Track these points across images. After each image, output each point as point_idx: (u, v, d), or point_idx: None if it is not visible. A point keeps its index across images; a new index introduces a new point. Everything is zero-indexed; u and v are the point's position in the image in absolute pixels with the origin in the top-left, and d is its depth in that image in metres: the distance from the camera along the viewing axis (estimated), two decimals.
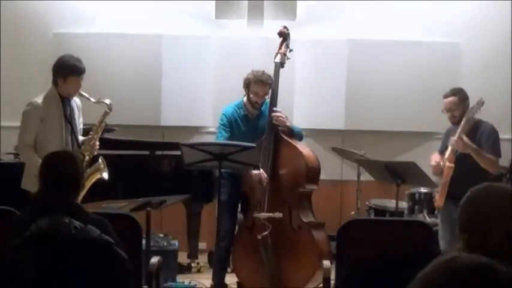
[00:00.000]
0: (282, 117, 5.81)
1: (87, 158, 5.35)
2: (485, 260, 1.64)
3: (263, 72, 5.85)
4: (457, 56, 7.40)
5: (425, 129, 7.34)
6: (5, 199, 4.51)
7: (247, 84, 5.87)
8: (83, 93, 5.35)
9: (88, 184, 5.24)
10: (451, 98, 5.55)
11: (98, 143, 5.42)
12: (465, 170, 5.32)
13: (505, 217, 2.09)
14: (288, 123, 5.88)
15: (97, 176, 5.30)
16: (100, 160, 5.36)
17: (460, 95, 5.55)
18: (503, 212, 2.10)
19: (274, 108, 5.81)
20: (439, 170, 5.52)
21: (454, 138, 5.38)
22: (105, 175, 5.32)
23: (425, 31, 7.38)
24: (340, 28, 7.43)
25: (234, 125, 5.92)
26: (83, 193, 5.10)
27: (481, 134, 5.53)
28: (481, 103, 5.37)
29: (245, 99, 5.98)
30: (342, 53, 7.36)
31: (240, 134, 5.87)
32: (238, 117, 5.95)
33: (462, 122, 5.39)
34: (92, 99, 5.38)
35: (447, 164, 5.42)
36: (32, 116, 5.27)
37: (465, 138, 5.37)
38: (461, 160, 5.41)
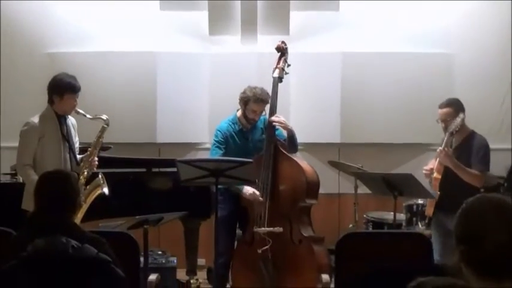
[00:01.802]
0: (282, 121, 5.81)
1: (86, 174, 5.36)
2: (452, 282, 1.65)
3: (262, 90, 5.84)
4: (451, 67, 7.40)
5: (422, 141, 7.33)
6: (4, 220, 4.50)
7: (246, 102, 5.87)
8: (79, 110, 5.37)
9: (89, 200, 5.28)
10: (445, 109, 5.57)
11: (96, 158, 5.43)
12: (453, 181, 5.42)
13: (499, 227, 2.08)
14: (289, 126, 5.87)
15: (98, 192, 5.33)
16: (100, 176, 5.36)
17: (454, 107, 5.57)
18: (497, 222, 2.09)
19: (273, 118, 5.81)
20: (430, 178, 5.58)
21: (439, 149, 5.44)
22: (106, 190, 5.34)
23: (419, 42, 7.38)
24: (334, 41, 7.43)
25: (229, 140, 5.92)
26: (84, 208, 5.14)
27: (473, 146, 5.58)
28: (461, 118, 5.42)
29: (239, 113, 5.97)
30: (336, 66, 7.36)
31: (236, 149, 5.87)
32: (234, 132, 5.95)
33: (446, 136, 5.45)
34: (89, 116, 5.41)
35: (435, 174, 5.51)
36: (29, 136, 5.28)
37: (448, 152, 5.43)
38: (450, 171, 5.47)
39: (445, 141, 5.46)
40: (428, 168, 5.61)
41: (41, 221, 3.30)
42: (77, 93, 5.34)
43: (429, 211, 5.65)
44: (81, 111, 5.38)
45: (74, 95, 5.32)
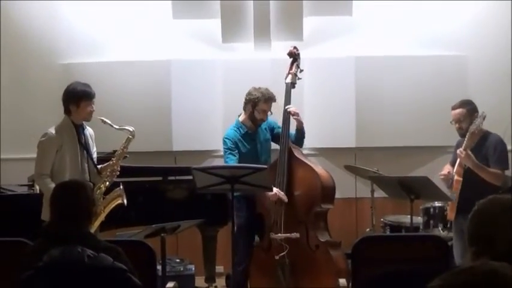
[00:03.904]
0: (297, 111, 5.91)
1: (107, 184, 5.36)
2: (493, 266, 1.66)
3: (267, 89, 5.93)
4: (465, 69, 7.37)
5: (437, 143, 7.30)
6: (24, 231, 4.51)
7: (256, 103, 5.88)
8: (106, 120, 5.35)
9: (108, 209, 5.26)
10: (459, 110, 5.64)
11: (118, 169, 5.43)
12: (473, 183, 5.43)
13: (509, 227, 2.09)
14: (300, 118, 5.99)
15: (118, 201, 5.31)
16: (121, 186, 5.36)
17: (468, 107, 5.63)
18: (508, 223, 2.10)
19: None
20: (448, 182, 5.61)
21: (459, 151, 5.44)
22: (125, 201, 5.33)
23: (432, 45, 7.36)
24: (347, 46, 7.42)
25: (238, 145, 5.94)
26: (102, 217, 5.14)
27: (489, 145, 5.61)
28: (483, 117, 5.49)
29: (241, 118, 6.01)
30: (350, 70, 7.35)
31: (246, 153, 5.91)
32: (241, 136, 5.97)
33: (467, 136, 5.48)
34: (115, 126, 5.39)
35: (455, 177, 5.53)
36: (47, 146, 5.27)
37: (469, 153, 5.44)
38: (469, 173, 5.49)
39: (465, 142, 5.48)
40: (444, 173, 5.66)
41: (56, 230, 3.32)
42: (92, 100, 5.34)
43: (450, 215, 5.67)
44: (107, 121, 5.35)
45: (90, 101, 5.32)
